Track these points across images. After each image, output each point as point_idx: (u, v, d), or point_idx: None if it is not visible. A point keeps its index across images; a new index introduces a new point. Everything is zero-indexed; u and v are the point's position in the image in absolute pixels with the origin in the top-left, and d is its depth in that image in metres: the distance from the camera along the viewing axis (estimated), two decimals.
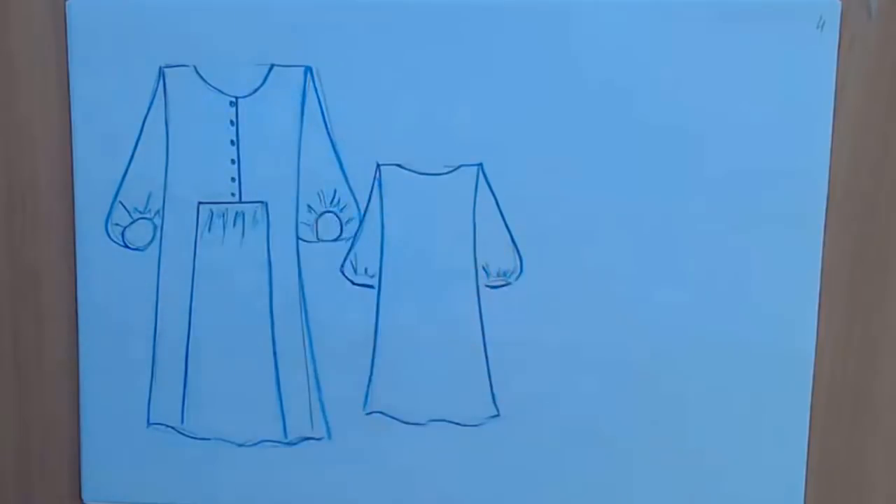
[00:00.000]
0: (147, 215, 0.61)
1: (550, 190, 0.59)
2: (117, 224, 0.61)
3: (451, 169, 0.59)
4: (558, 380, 0.60)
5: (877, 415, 0.61)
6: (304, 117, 0.59)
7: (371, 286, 0.60)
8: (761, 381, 0.59)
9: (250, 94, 0.59)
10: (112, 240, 0.61)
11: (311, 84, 0.59)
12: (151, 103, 0.60)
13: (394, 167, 0.59)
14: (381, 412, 0.62)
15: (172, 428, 0.63)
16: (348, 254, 0.60)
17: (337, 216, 0.60)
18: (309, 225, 0.60)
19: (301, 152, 0.60)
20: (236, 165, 0.60)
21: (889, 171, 0.58)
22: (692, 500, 0.61)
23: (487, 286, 0.60)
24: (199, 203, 0.61)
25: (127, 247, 0.61)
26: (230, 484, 0.63)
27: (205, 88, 0.59)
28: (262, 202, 0.60)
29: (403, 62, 0.58)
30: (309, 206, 0.60)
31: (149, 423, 0.63)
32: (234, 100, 0.59)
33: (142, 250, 0.61)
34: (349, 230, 0.60)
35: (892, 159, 0.58)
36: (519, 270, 0.60)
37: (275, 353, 0.61)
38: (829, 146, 0.57)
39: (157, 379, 0.62)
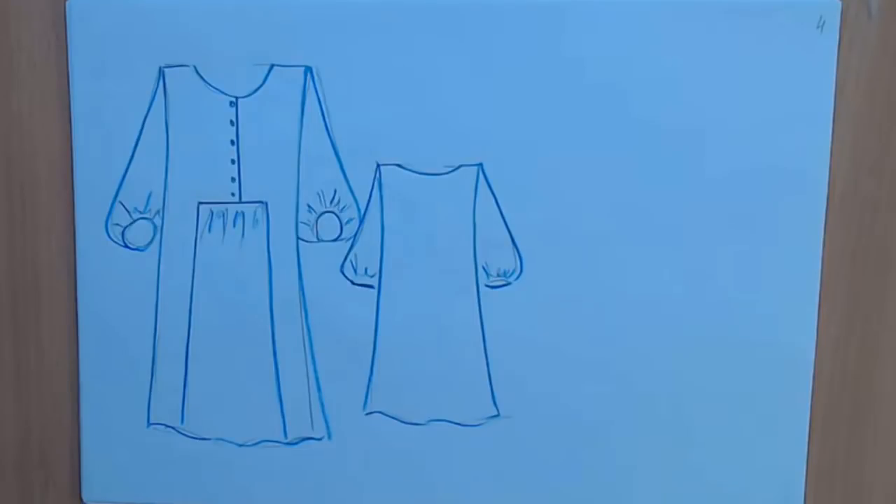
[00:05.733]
0: (147, 215, 0.61)
1: (550, 190, 0.59)
2: (117, 224, 0.61)
3: (451, 169, 0.59)
4: (558, 380, 0.60)
5: (877, 415, 0.61)
6: (304, 117, 0.59)
7: (371, 286, 0.60)
8: (761, 381, 0.59)
9: (250, 94, 0.59)
10: (112, 240, 0.61)
11: (311, 84, 0.59)
12: (151, 103, 0.60)
13: (394, 167, 0.59)
14: (381, 412, 0.62)
15: (172, 428, 0.63)
16: (348, 254, 0.60)
17: (337, 216, 0.60)
18: (309, 225, 0.60)
19: (301, 152, 0.60)
20: (236, 165, 0.60)
21: (889, 171, 0.58)
22: (692, 500, 0.61)
23: (487, 286, 0.60)
24: (199, 203, 0.61)
25: (127, 247, 0.61)
26: (230, 484, 0.63)
27: (205, 88, 0.59)
28: (262, 202, 0.60)
29: (403, 62, 0.58)
30: (309, 206, 0.60)
31: (149, 423, 0.63)
32: (234, 100, 0.59)
33: (142, 250, 0.61)
34: (349, 230, 0.60)
35: (892, 159, 0.58)
36: (519, 270, 0.60)
37: (275, 353, 0.61)
38: (829, 146, 0.58)
39: (157, 379, 0.62)
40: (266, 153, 0.60)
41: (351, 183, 0.60)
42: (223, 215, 0.61)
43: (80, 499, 0.64)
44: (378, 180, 0.60)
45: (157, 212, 0.61)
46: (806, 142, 0.57)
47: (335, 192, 0.60)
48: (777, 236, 0.58)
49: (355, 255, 0.60)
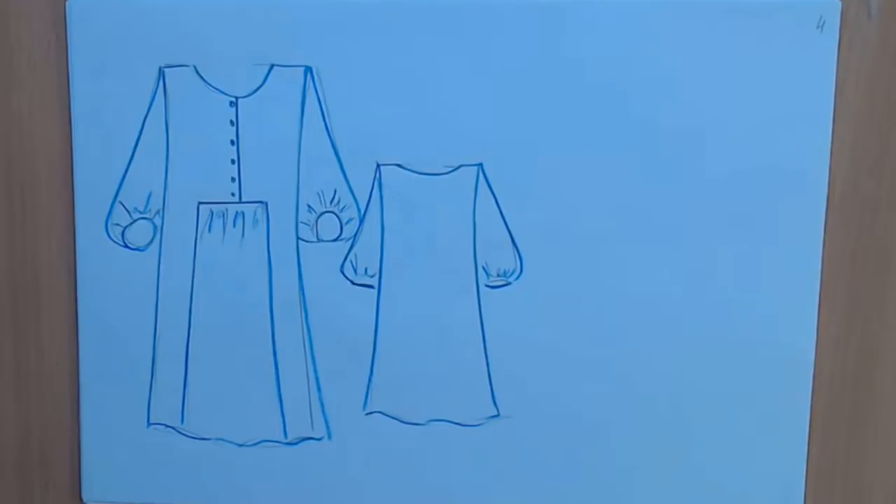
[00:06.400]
0: (147, 215, 0.61)
1: (550, 190, 0.59)
2: (117, 224, 0.61)
3: (451, 169, 0.59)
4: (558, 380, 0.60)
5: (877, 415, 0.61)
6: (304, 117, 0.59)
7: (371, 286, 0.60)
8: (761, 381, 0.59)
9: (250, 94, 0.59)
10: (112, 240, 0.61)
11: (311, 84, 0.59)
12: (151, 103, 0.60)
13: (394, 167, 0.59)
14: (381, 412, 0.62)
15: (172, 428, 0.63)
16: (348, 254, 0.60)
17: (337, 216, 0.60)
18: (309, 225, 0.60)
19: (301, 152, 0.60)
20: (236, 165, 0.60)
21: (889, 171, 0.58)
22: (692, 499, 0.61)
23: (487, 286, 0.60)
24: (199, 203, 0.61)
25: (127, 247, 0.61)
26: (230, 484, 0.63)
27: (205, 88, 0.59)
28: (262, 202, 0.60)
29: (404, 62, 0.58)
30: (309, 206, 0.60)
31: (149, 423, 0.63)
32: (234, 100, 0.59)
33: (142, 250, 0.61)
34: (349, 230, 0.60)
35: (892, 159, 0.58)
36: (519, 270, 0.60)
37: (275, 353, 0.61)
38: (829, 146, 0.58)
39: (157, 379, 0.62)
40: (266, 153, 0.60)
41: (351, 183, 0.60)
42: (223, 215, 0.61)
43: (80, 499, 0.64)
44: (378, 180, 0.60)
45: (157, 212, 0.61)
46: (806, 142, 0.57)
47: (335, 192, 0.60)
48: (777, 236, 0.58)
49: (355, 255, 0.60)
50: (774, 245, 0.58)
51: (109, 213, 0.61)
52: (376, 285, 0.60)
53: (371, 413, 0.62)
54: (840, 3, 0.56)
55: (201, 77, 0.59)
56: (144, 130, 0.60)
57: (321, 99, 0.59)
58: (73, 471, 0.64)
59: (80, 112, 0.60)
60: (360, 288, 0.61)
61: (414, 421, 0.61)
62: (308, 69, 0.59)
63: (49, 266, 0.63)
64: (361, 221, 0.60)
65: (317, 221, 0.60)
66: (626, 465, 0.61)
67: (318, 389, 0.62)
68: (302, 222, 0.60)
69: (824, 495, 0.61)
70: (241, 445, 0.62)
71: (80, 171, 0.61)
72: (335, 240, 0.60)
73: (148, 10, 0.59)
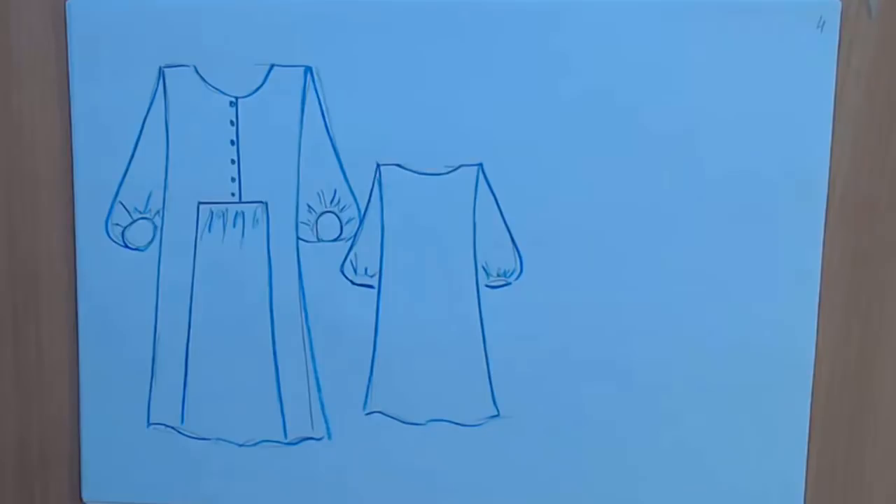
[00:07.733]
0: (147, 215, 0.61)
1: (550, 190, 0.59)
2: (117, 224, 0.61)
3: (451, 169, 0.59)
4: (558, 380, 0.60)
5: (877, 415, 0.61)
6: (304, 117, 0.59)
7: (371, 286, 0.60)
8: (761, 382, 0.59)
9: (250, 94, 0.59)
10: (112, 240, 0.61)
11: (311, 84, 0.59)
12: (151, 103, 0.60)
13: (394, 167, 0.59)
14: (381, 412, 0.62)
15: (172, 428, 0.63)
16: (348, 254, 0.60)
17: (337, 216, 0.60)
18: (309, 225, 0.60)
19: (301, 152, 0.60)
20: (236, 165, 0.60)
21: (889, 171, 0.58)
22: (692, 500, 0.61)
23: (487, 286, 0.60)
24: (199, 203, 0.61)
25: (127, 247, 0.61)
26: (230, 484, 0.63)
27: (205, 88, 0.59)
28: (262, 202, 0.60)
29: (403, 62, 0.58)
30: (309, 206, 0.60)
31: (149, 423, 0.63)
32: (234, 100, 0.59)
33: (142, 250, 0.61)
34: (349, 230, 0.60)
35: (892, 159, 0.58)
36: (519, 270, 0.60)
37: (275, 353, 0.61)
38: (829, 146, 0.58)
39: (157, 379, 0.62)
40: (266, 153, 0.60)
41: (351, 183, 0.60)
42: (223, 215, 0.61)
43: (80, 499, 0.64)
44: (378, 180, 0.60)
45: (157, 212, 0.61)
46: (806, 142, 0.57)
47: (335, 192, 0.60)
48: (777, 236, 0.58)
49: (355, 255, 0.60)
50: (774, 245, 0.58)
51: (109, 213, 0.61)
52: (376, 285, 0.60)
53: (371, 413, 0.62)
54: (840, 3, 0.56)
55: (201, 77, 0.59)
56: (144, 130, 0.60)
57: (321, 99, 0.59)
58: (73, 471, 0.64)
59: (80, 112, 0.60)
60: (360, 288, 0.61)
61: (414, 421, 0.61)
62: (308, 69, 0.59)
63: (49, 266, 0.63)
64: (361, 221, 0.60)
65: (317, 221, 0.60)
66: (626, 465, 0.61)
67: (318, 389, 0.62)
68: (302, 222, 0.60)
69: (824, 495, 0.61)
70: (241, 445, 0.62)
71: (80, 171, 0.61)
72: (335, 240, 0.61)
73: (148, 10, 0.59)
